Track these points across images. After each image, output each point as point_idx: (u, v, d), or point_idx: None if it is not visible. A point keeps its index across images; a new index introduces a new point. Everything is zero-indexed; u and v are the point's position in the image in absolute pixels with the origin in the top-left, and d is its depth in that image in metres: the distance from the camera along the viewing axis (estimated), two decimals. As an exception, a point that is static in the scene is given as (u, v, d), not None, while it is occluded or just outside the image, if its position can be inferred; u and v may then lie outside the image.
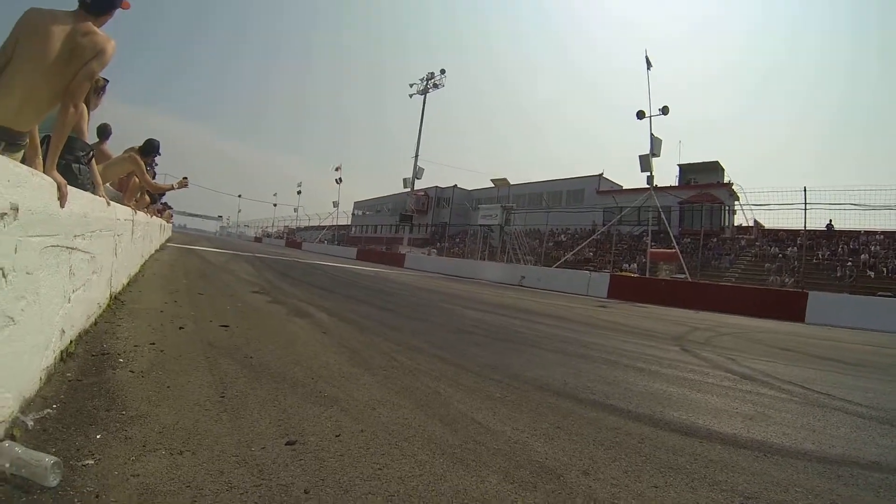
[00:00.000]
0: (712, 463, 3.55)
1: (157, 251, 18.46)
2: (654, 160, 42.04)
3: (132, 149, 9.68)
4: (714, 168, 56.12)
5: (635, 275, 38.32)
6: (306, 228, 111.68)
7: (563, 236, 59.27)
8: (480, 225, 53.09)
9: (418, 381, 4.97)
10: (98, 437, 2.76)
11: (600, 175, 64.83)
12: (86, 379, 3.72)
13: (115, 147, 9.55)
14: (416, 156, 63.43)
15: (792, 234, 42.05)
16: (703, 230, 45.44)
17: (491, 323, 10.90)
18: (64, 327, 3.90)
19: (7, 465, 2.22)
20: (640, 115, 42.49)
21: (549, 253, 49.96)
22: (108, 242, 6.01)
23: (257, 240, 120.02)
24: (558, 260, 46.14)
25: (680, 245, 41.10)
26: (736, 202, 49.05)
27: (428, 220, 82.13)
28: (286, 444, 2.99)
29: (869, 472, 3.67)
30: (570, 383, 5.61)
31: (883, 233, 39.42)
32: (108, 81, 6.13)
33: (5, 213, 2.35)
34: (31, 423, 2.74)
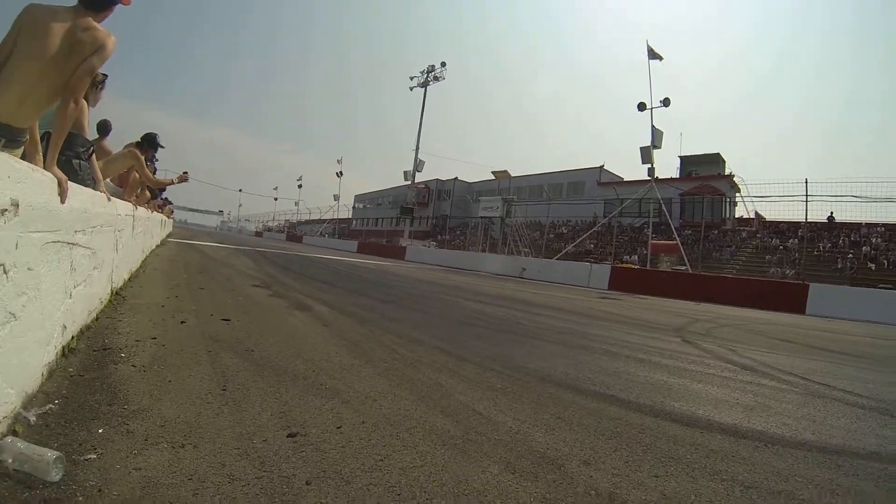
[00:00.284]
0: (713, 453, 3.56)
1: (158, 246, 18.46)
2: (656, 152, 41.97)
3: (132, 144, 9.68)
4: (715, 160, 55.95)
5: (636, 266, 38.32)
6: (307, 222, 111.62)
7: (563, 228, 59.24)
8: (481, 217, 53.04)
9: (419, 372, 4.98)
10: (100, 431, 2.77)
11: (601, 167, 64.75)
12: (87, 374, 3.73)
13: (115, 143, 9.56)
14: (417, 148, 63.37)
15: (793, 226, 41.95)
16: (703, 222, 45.43)
17: (492, 314, 10.92)
18: (65, 323, 3.91)
19: (10, 461, 2.23)
20: (642, 106, 42.39)
21: (550, 245, 49.91)
22: (108, 238, 6.01)
23: (258, 234, 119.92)
24: (559, 252, 46.14)
25: (681, 237, 41.09)
26: (737, 194, 49.04)
27: (429, 213, 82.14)
28: (287, 437, 3.00)
29: (868, 462, 3.69)
30: (571, 374, 5.62)
31: (884, 225, 39.42)
32: (106, 77, 6.13)
33: (6, 210, 2.35)
34: (34, 418, 2.74)
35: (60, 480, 2.22)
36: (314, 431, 3.13)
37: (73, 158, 5.94)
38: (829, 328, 16.48)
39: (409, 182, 67.31)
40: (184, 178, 12.41)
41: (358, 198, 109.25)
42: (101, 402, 3.20)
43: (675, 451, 3.53)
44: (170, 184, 12.74)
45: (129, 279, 8.70)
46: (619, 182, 59.70)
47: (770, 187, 37.84)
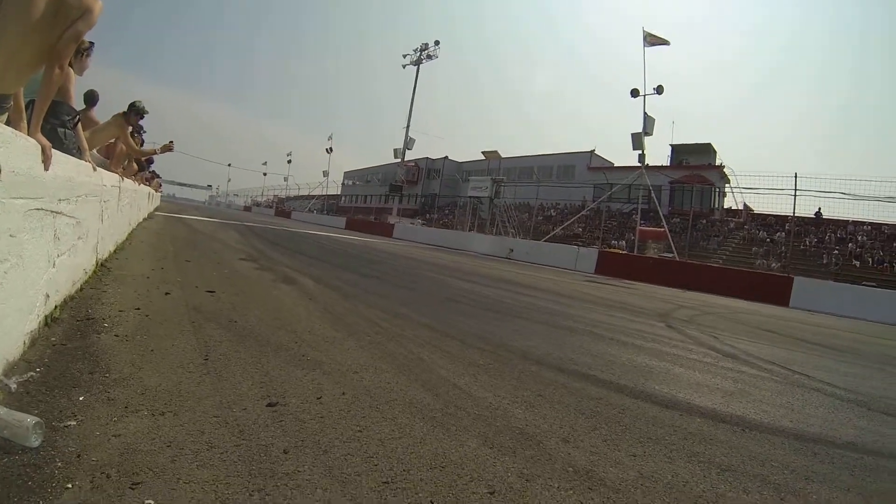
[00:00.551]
0: (691, 435, 3.61)
1: (145, 220, 18.36)
2: (647, 139, 41.91)
3: (119, 114, 9.60)
4: (706, 150, 55.94)
5: (623, 252, 38.35)
6: (296, 198, 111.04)
7: (552, 211, 59.27)
8: (470, 197, 52.90)
9: (402, 347, 5.01)
10: (81, 399, 2.77)
11: (592, 151, 64.70)
12: (70, 343, 3.72)
13: (103, 116, 9.48)
14: (408, 126, 63.11)
15: (780, 220, 42.19)
16: (692, 211, 45.47)
17: (478, 293, 10.96)
18: (48, 292, 3.90)
19: (-11, 426, 2.23)
20: (635, 93, 42.18)
21: (539, 227, 49.90)
22: (94, 208, 5.98)
23: (247, 209, 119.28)
24: (547, 234, 46.13)
25: (669, 224, 41.11)
26: (726, 185, 49.05)
27: (418, 191, 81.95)
28: (267, 406, 3.02)
29: (844, 451, 3.75)
30: (553, 354, 5.66)
31: (870, 224, 39.60)
32: (93, 44, 6.08)
33: (-13, 174, 2.34)
34: (14, 385, 2.75)
35: (40, 446, 2.23)
36: (294, 402, 3.15)
37: (59, 127, 5.90)
38: (812, 321, 16.59)
39: (399, 160, 67.09)
40: (168, 148, 12.29)
41: (347, 174, 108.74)
42: (83, 370, 3.21)
43: (654, 432, 3.58)
44: (153, 153, 12.65)
45: (114, 251, 8.67)
46: (610, 167, 59.70)
47: (759, 180, 37.97)
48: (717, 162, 53.53)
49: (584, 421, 3.58)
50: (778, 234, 41.78)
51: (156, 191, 28.70)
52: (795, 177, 32.48)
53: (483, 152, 58.14)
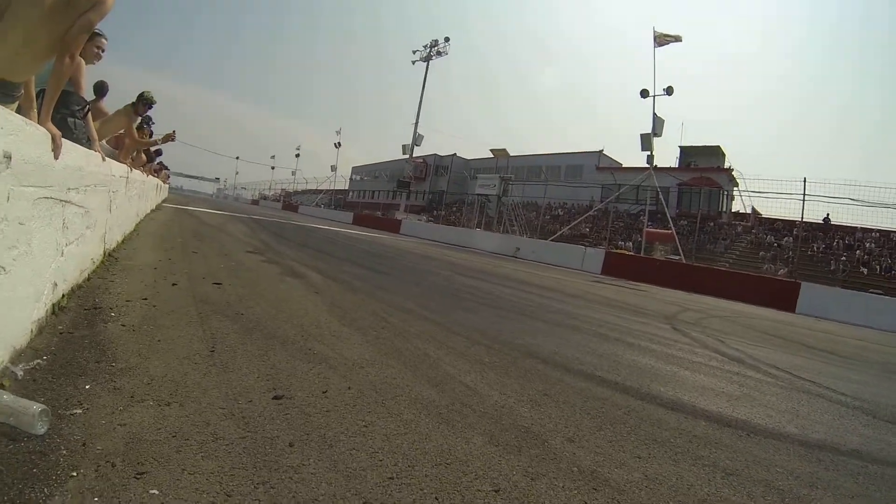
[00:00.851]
0: (696, 438, 3.60)
1: (152, 211, 18.40)
2: (656, 140, 41.75)
3: (128, 105, 9.62)
4: (715, 152, 55.51)
5: (630, 253, 38.18)
6: (303, 192, 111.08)
7: (559, 210, 59.04)
8: (478, 194, 52.82)
9: (408, 342, 5.01)
10: (87, 387, 2.78)
11: (600, 152, 64.43)
12: (77, 332, 3.73)
13: (112, 107, 9.51)
14: (417, 122, 63.03)
15: (788, 225, 41.67)
16: (700, 213, 45.07)
17: (484, 290, 10.95)
18: (56, 280, 3.91)
19: (-5, 413, 2.23)
20: (644, 93, 41.99)
21: (546, 226, 49.74)
22: (102, 198, 5.99)
23: (254, 202, 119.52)
24: (554, 233, 46.05)
25: (676, 226, 40.84)
26: (735, 188, 48.67)
27: (425, 188, 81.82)
28: (273, 399, 3.02)
29: (849, 458, 3.73)
30: (559, 353, 5.65)
31: (879, 231, 39.26)
32: (105, 38, 6.08)
33: (-2, 161, 2.34)
34: (21, 373, 2.75)
35: (45, 434, 2.23)
36: (300, 395, 3.15)
37: (69, 116, 5.91)
38: (818, 327, 16.52)
39: (408, 156, 67.06)
40: (170, 137, 12.33)
41: (355, 169, 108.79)
42: (90, 359, 3.21)
43: (659, 434, 3.57)
44: (155, 143, 12.66)
45: (122, 241, 8.69)
46: (618, 168, 59.47)
47: (768, 184, 37.75)
48: (726, 165, 53.23)
49: (589, 421, 3.57)
50: (786, 238, 41.45)
51: (164, 182, 28.74)
52: (804, 181, 32.31)
53: (491, 150, 58.12)
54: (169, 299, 5.21)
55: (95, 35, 5.92)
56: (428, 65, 65.59)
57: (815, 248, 38.98)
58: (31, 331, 3.28)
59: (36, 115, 3.87)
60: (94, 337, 3.67)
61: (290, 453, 2.41)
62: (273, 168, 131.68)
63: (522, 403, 3.71)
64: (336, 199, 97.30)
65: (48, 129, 3.35)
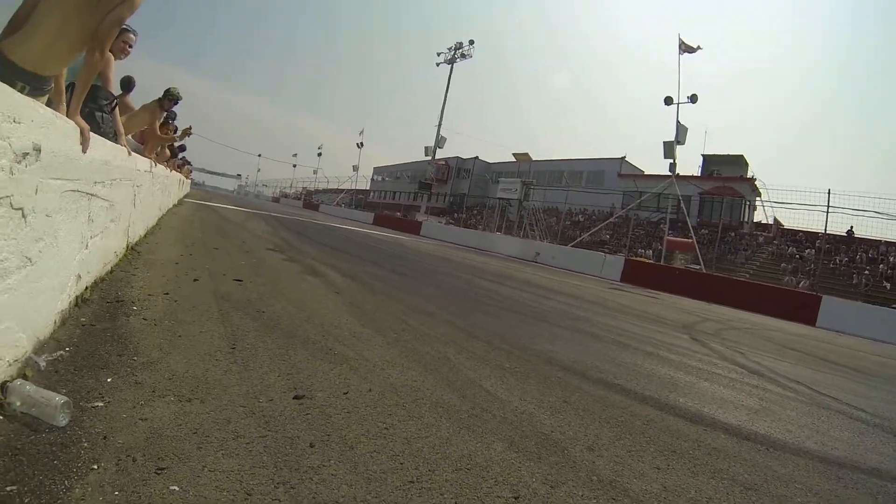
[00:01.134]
0: (715, 451, 3.56)
1: (174, 205, 18.52)
2: (678, 148, 41.56)
3: (154, 101, 9.70)
4: (738, 161, 55.01)
5: (650, 261, 38.00)
6: (324, 191, 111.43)
7: (580, 216, 58.89)
8: (499, 198, 52.87)
9: (428, 345, 5.00)
10: (109, 380, 2.79)
11: (622, 158, 64.16)
12: (99, 324, 3.75)
13: (139, 103, 9.58)
14: (440, 125, 63.21)
15: (811, 236, 41.18)
16: (721, 223, 44.67)
17: (504, 295, 10.94)
18: (80, 273, 3.93)
19: (18, 404, 2.24)
20: (668, 101, 41.86)
21: (566, 232, 49.69)
22: (127, 192, 6.03)
23: (275, 200, 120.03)
24: (574, 239, 45.97)
25: (697, 236, 40.55)
26: (757, 198, 48.25)
27: (447, 190, 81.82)
28: (294, 398, 3.02)
29: (868, 477, 3.68)
30: (578, 360, 5.62)
31: (904, 245, 38.68)
32: (134, 34, 6.11)
33: (28, 153, 2.34)
34: (44, 364, 2.76)
35: (66, 425, 2.24)
36: (321, 395, 3.15)
37: (96, 111, 5.95)
38: (839, 342, 16.35)
39: (430, 158, 67.15)
40: (187, 132, 12.46)
41: (377, 170, 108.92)
42: (112, 352, 3.22)
43: (679, 445, 3.53)
44: (173, 140, 12.76)
45: (144, 235, 8.75)
46: (640, 175, 59.24)
47: (791, 194, 37.34)
48: (749, 174, 52.83)
49: (608, 430, 3.55)
50: (808, 250, 40.98)
51: (186, 177, 28.92)
52: (829, 193, 32.06)
53: (514, 154, 58.11)
54: (190, 295, 5.23)
55: (124, 31, 5.96)
56: (452, 67, 65.70)
57: (837, 261, 38.44)
58: (55, 322, 3.30)
59: (65, 108, 3.90)
60: (116, 330, 3.69)
61: (311, 454, 2.40)
62: (295, 166, 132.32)
63: (542, 410, 3.69)
64: (357, 199, 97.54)
65: (77, 123, 3.37)
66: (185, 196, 28.89)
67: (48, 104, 3.77)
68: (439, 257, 20.30)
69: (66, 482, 1.87)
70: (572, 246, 42.12)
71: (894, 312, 23.59)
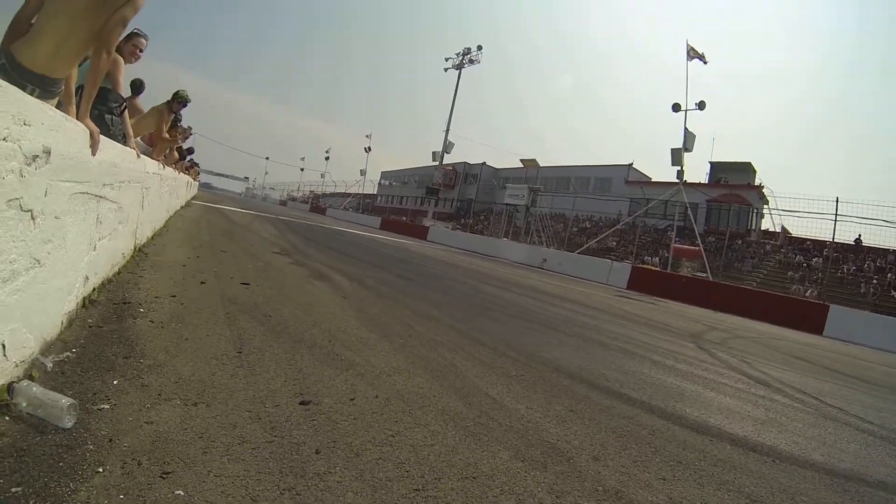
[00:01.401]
0: (721, 462, 3.54)
1: (182, 207, 18.58)
2: (686, 155, 41.47)
3: (162, 103, 9.74)
4: (746, 169, 54.82)
5: (657, 268, 37.86)
6: (331, 195, 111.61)
7: (587, 223, 58.83)
8: (506, 204, 52.77)
9: (435, 351, 4.99)
10: (115, 382, 2.79)
11: (630, 165, 64.08)
12: (106, 326, 3.76)
13: (148, 104, 9.63)
14: (447, 130, 63.12)
15: (818, 245, 40.98)
16: (728, 230, 44.38)
17: (510, 301, 10.93)
18: (88, 274, 3.94)
19: (24, 405, 2.24)
20: (676, 107, 41.74)
21: (573, 238, 49.59)
22: (135, 194, 6.05)
23: (282, 203, 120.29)
24: (581, 246, 45.88)
25: (704, 243, 40.28)
26: (765, 206, 48.10)
27: (454, 195, 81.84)
28: (300, 404, 3.01)
29: (875, 490, 3.66)
30: (585, 368, 5.61)
31: (913, 254, 38.47)
32: (145, 38, 6.13)
33: (37, 156, 2.35)
34: (50, 365, 2.76)
35: (72, 427, 2.24)
36: (327, 401, 3.14)
37: (106, 113, 5.97)
38: (846, 352, 16.27)
39: (437, 163, 67.14)
40: (186, 134, 12.55)
41: (384, 174, 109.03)
42: (118, 354, 3.23)
43: (684, 455, 3.52)
44: (175, 142, 12.81)
45: (152, 237, 8.78)
46: (647, 182, 59.19)
47: (799, 202, 37.23)
48: (757, 181, 52.70)
49: (614, 440, 3.54)
50: (815, 259, 40.83)
51: (194, 179, 29.00)
52: (836, 201, 31.97)
53: (521, 160, 58.07)
54: (197, 297, 5.24)
55: (135, 35, 5.99)
56: (460, 73, 65.72)
57: (845, 270, 38.29)
58: (62, 323, 3.31)
59: (75, 110, 3.91)
60: (122, 332, 3.70)
61: (317, 460, 2.40)
62: (302, 170, 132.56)
63: (548, 419, 3.68)
64: (364, 204, 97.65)
65: (87, 126, 3.38)
66: (193, 198, 28.97)
67: (58, 106, 3.79)
68: (446, 262, 20.32)
69: (71, 485, 1.87)
70: (579, 253, 42.01)
71: (902, 323, 23.45)
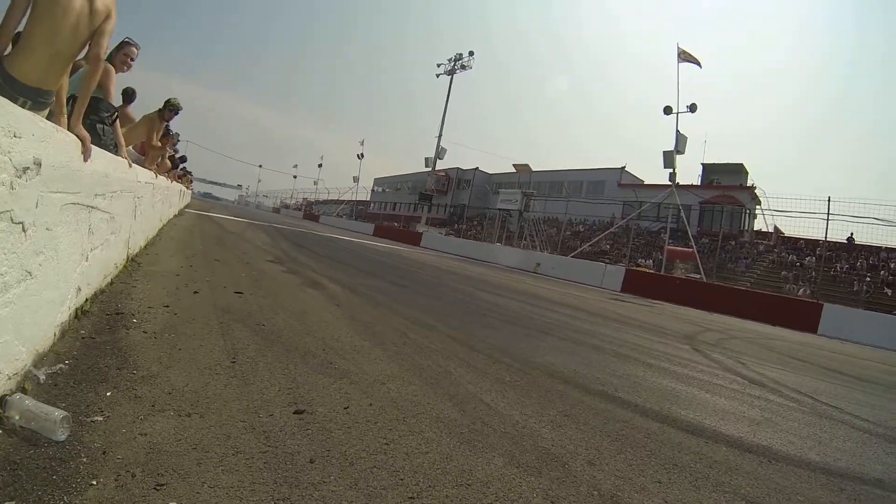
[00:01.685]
0: (716, 464, 3.54)
1: (175, 216, 18.55)
2: (678, 157, 41.54)
3: (154, 112, 9.73)
4: (738, 170, 54.97)
5: (651, 271, 37.94)
6: (325, 202, 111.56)
7: (581, 227, 58.87)
8: (499, 209, 52.82)
9: (429, 359, 4.99)
10: (108, 394, 2.79)
11: (622, 168, 64.16)
12: (99, 337, 3.75)
13: (139, 113, 9.62)
14: (440, 135, 63.23)
15: (811, 244, 41.10)
16: (721, 232, 44.47)
17: (504, 307, 10.92)
18: (80, 285, 3.93)
19: (17, 418, 2.24)
20: (668, 110, 41.80)
21: (566, 242, 49.64)
22: (127, 204, 6.04)
23: (275, 210, 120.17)
24: (574, 249, 45.93)
25: (697, 245, 40.37)
26: (757, 206, 48.16)
27: (447, 201, 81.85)
28: (294, 413, 3.01)
29: (872, 488, 3.66)
30: (579, 373, 5.61)
31: (904, 251, 38.60)
32: (136, 47, 6.13)
33: (28, 168, 2.35)
34: (43, 377, 2.75)
35: (66, 440, 2.24)
36: (321, 410, 3.14)
37: (98, 123, 5.96)
38: (840, 350, 16.28)
39: (430, 169, 67.18)
40: (174, 141, 12.60)
41: (377, 181, 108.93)
42: (111, 365, 3.22)
43: (680, 458, 3.52)
44: (163, 150, 12.80)
45: (145, 246, 8.76)
46: (640, 185, 59.28)
47: (791, 202, 37.28)
48: (749, 183, 52.77)
49: (609, 444, 3.54)
50: (808, 258, 40.91)
51: (186, 188, 28.96)
52: (828, 200, 32.02)
53: (514, 165, 58.13)
54: (190, 307, 5.24)
55: (126, 44, 6.00)
56: (452, 78, 65.81)
57: (838, 269, 38.41)
58: (55, 334, 3.30)
59: (66, 120, 3.91)
60: (115, 343, 3.69)
61: (311, 470, 2.39)
62: (295, 177, 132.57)
63: (543, 424, 3.68)
64: (357, 210, 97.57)
65: (78, 134, 3.39)
66: (186, 206, 28.93)
67: (49, 117, 3.79)
68: (440, 269, 20.30)
69: (65, 497, 1.87)
70: (573, 256, 42.08)
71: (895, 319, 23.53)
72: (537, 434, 3.45)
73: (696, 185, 54.25)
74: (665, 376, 6.32)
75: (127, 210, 6.06)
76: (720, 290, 29.38)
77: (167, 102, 9.76)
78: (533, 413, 3.89)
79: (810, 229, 36.42)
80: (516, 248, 46.43)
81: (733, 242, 46.79)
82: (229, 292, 6.37)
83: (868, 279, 35.93)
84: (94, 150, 3.78)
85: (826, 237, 32.93)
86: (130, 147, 8.61)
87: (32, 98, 3.77)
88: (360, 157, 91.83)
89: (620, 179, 62.44)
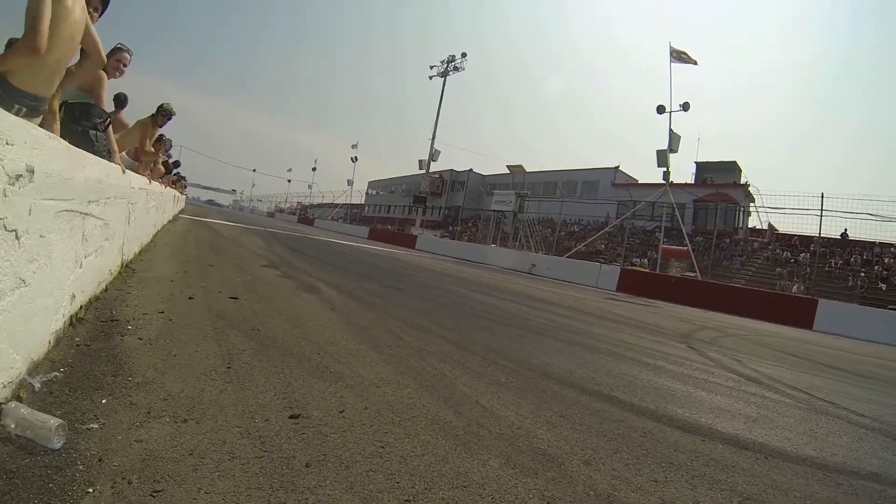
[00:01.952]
0: (713, 461, 3.55)
1: (169, 222, 18.52)
2: (672, 156, 41.59)
3: (147, 117, 9.72)
4: (731, 168, 55.13)
5: (646, 270, 37.96)
6: (319, 206, 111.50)
7: (575, 227, 58.88)
8: (494, 210, 52.83)
9: (424, 361, 4.99)
10: (104, 401, 2.78)
11: (616, 167, 64.23)
12: (94, 344, 3.75)
13: (132, 118, 9.61)
14: (433, 137, 63.10)
15: (805, 240, 41.21)
16: (716, 229, 44.50)
17: (499, 308, 10.92)
18: (74, 292, 3.92)
19: (12, 426, 2.24)
20: (661, 109, 41.89)
21: (561, 242, 49.66)
22: (121, 210, 6.03)
23: (270, 215, 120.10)
24: (569, 250, 45.95)
25: (692, 243, 40.34)
26: (751, 204, 48.21)
27: (441, 203, 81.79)
28: (290, 418, 3.01)
29: (868, 482, 3.66)
30: (575, 373, 5.61)
31: (897, 245, 38.69)
32: (128, 52, 6.14)
33: (21, 175, 2.35)
34: (38, 385, 2.75)
35: (62, 448, 2.24)
36: (316, 414, 3.14)
37: (90, 129, 5.95)
38: (836, 345, 16.33)
39: (424, 171, 67.10)
40: (166, 146, 12.61)
41: (372, 184, 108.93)
42: (106, 372, 3.22)
43: (676, 457, 3.52)
44: (155, 155, 12.81)
45: (139, 252, 8.74)
46: (634, 184, 59.34)
47: (785, 199, 37.38)
48: (743, 180, 52.88)
49: (605, 443, 3.54)
50: (803, 254, 40.94)
51: (181, 193, 28.93)
52: (822, 197, 32.15)
53: (508, 166, 58.13)
54: (185, 313, 5.23)
55: (119, 49, 6.01)
56: (445, 80, 65.76)
57: (832, 264, 38.47)
58: (49, 342, 3.30)
59: (58, 127, 3.92)
60: (110, 350, 3.68)
61: (307, 474, 2.39)
62: (289, 181, 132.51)
63: (539, 425, 3.68)
64: (352, 214, 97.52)
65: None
66: (181, 212, 28.89)
67: (42, 124, 3.80)
68: (435, 271, 20.31)
69: (61, 506, 1.87)
70: (568, 257, 42.11)
71: (890, 313, 23.58)
72: (533, 435, 3.45)
73: (690, 184, 54.28)
74: (661, 375, 6.33)
75: (121, 216, 6.05)
76: (715, 288, 29.48)
77: (160, 107, 9.76)
78: (528, 414, 3.89)
79: (804, 226, 36.60)
80: (511, 249, 46.46)
81: (728, 240, 46.82)
82: (224, 297, 6.37)
83: (862, 274, 36.02)
84: (88, 156, 3.80)
85: (820, 233, 33.07)
86: (124, 153, 8.60)
87: (29, 105, 3.78)
88: (354, 160, 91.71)
89: (614, 179, 62.52)
